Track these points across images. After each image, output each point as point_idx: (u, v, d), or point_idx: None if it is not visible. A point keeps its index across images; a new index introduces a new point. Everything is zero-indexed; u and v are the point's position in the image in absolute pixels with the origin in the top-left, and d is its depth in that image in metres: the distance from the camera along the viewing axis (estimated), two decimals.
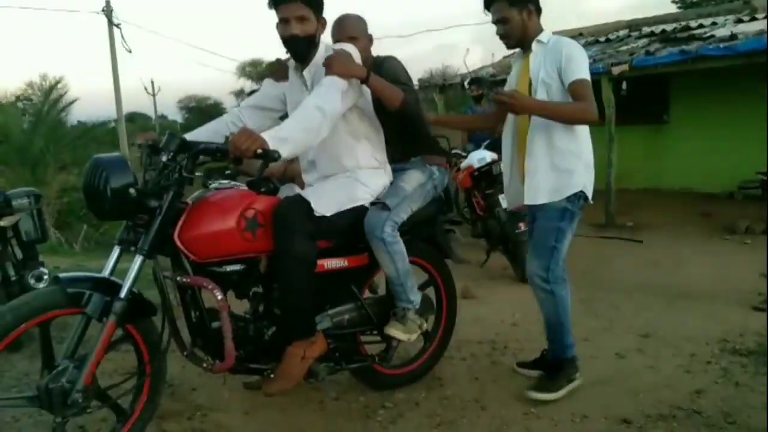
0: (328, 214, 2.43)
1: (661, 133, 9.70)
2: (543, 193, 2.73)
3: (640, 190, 9.25)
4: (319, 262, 2.50)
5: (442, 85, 10.20)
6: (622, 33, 10.34)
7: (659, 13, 10.99)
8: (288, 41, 2.45)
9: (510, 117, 2.89)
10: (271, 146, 2.09)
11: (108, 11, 17.15)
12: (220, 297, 2.26)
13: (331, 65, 2.39)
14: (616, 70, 7.62)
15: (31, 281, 3.61)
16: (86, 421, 2.53)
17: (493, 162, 5.25)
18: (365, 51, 2.73)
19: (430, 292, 3.07)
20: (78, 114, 14.00)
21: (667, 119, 10.01)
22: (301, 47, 2.47)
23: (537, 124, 2.72)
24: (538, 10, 2.76)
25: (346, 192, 2.56)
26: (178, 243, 2.24)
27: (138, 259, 2.18)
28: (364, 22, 2.84)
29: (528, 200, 2.77)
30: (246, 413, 2.77)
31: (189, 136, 2.50)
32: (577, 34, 10.91)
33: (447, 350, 3.20)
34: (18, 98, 16.48)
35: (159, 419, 2.60)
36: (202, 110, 38.76)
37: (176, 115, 43.12)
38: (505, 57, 11.30)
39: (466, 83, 7.14)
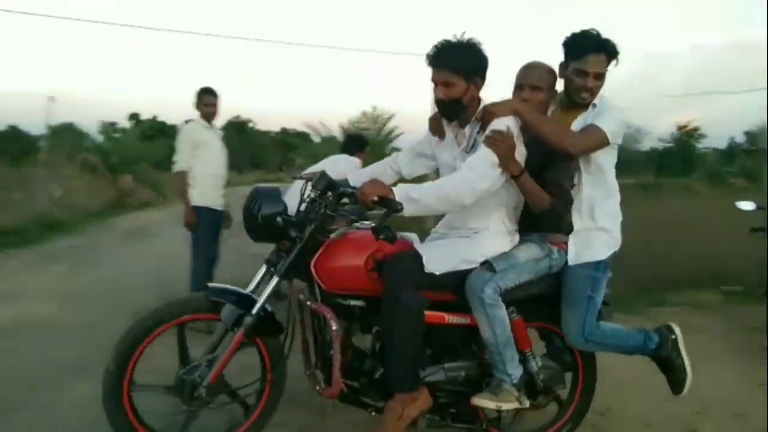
0: (437, 273, 2.44)
1: None
2: None
3: None
4: (441, 314, 2.54)
5: None
6: None
7: None
8: (435, 102, 2.52)
9: None
10: (398, 198, 2.22)
11: None
12: (335, 327, 2.42)
13: (490, 144, 2.38)
14: None
15: None
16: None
17: None
18: (544, 105, 2.65)
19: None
20: (398, 143, 15.62)
21: None
22: (445, 109, 2.54)
23: None
24: None
25: (462, 253, 2.53)
26: (313, 271, 2.47)
27: (274, 280, 2.45)
28: (553, 76, 2.66)
29: None
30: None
31: (353, 175, 2.74)
32: None
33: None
34: (353, 124, 18.10)
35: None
36: None
37: None
38: None
39: None
